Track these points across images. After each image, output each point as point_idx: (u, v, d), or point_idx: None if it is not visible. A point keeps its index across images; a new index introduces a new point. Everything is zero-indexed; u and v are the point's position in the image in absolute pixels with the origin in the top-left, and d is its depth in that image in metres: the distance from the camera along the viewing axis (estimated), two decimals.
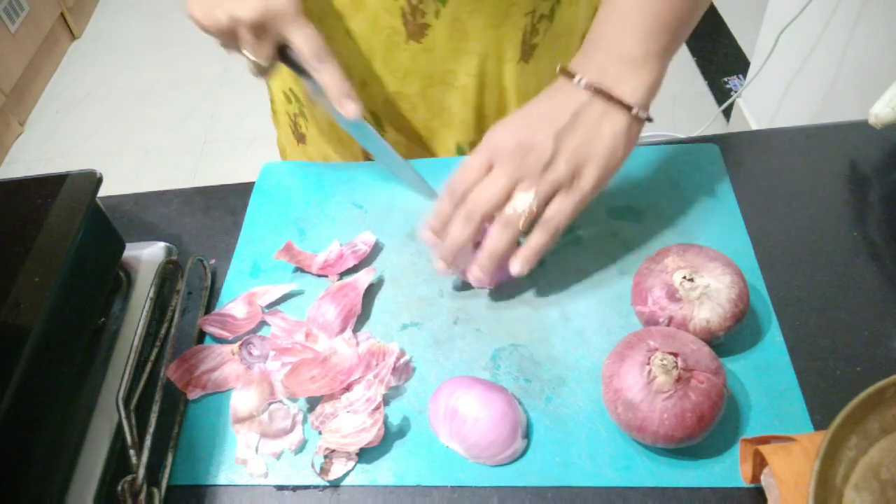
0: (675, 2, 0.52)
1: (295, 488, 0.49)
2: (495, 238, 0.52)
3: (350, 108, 0.57)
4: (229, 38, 0.57)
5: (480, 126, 0.74)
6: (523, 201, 0.51)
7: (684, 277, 0.50)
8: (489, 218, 0.52)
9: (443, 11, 0.64)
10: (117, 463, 0.51)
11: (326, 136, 0.78)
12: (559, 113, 0.51)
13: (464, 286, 0.58)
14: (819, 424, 0.48)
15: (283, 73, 0.74)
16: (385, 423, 0.49)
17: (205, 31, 0.58)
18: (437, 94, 0.71)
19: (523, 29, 0.68)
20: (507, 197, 0.52)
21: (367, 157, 0.76)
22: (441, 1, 0.64)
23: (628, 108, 0.51)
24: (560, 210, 0.52)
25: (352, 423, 0.49)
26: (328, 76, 0.57)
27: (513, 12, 0.66)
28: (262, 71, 0.59)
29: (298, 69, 0.59)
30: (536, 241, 0.52)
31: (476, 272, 0.54)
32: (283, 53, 0.58)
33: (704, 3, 0.55)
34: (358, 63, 0.68)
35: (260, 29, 0.55)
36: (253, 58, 0.57)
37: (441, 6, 0.64)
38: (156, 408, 0.51)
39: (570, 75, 0.52)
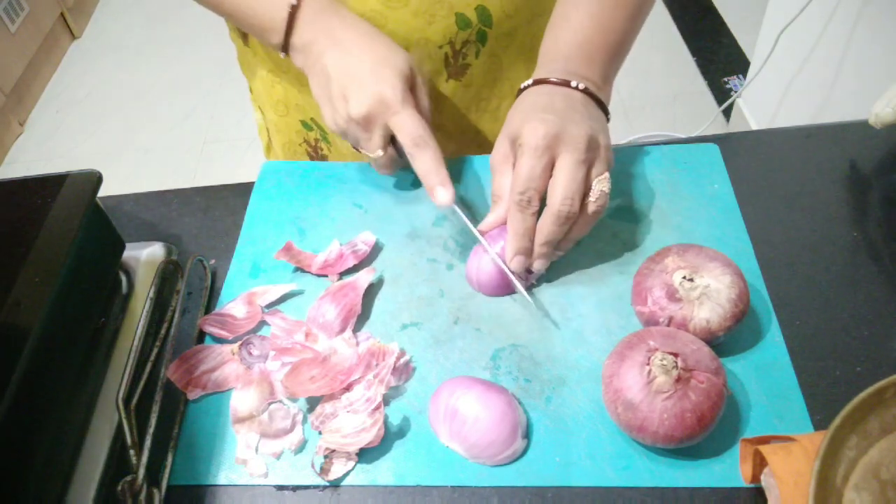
0: (620, 29, 0.60)
1: (295, 488, 0.49)
2: (585, 226, 0.55)
3: (440, 198, 0.57)
4: (350, 138, 0.60)
5: None
6: (605, 185, 0.54)
7: (684, 277, 0.50)
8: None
9: (482, 51, 0.68)
10: (117, 463, 0.51)
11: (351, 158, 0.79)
12: (574, 109, 0.55)
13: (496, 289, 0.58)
14: (819, 424, 0.48)
15: (303, 105, 0.75)
16: (385, 423, 0.49)
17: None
18: (472, 121, 0.74)
19: None
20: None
21: None
22: (481, 42, 0.67)
23: (606, 109, 0.59)
24: (604, 194, 0.55)
25: (352, 423, 0.49)
26: (422, 165, 0.57)
27: (539, 35, 0.68)
28: (381, 166, 0.61)
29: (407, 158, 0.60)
30: (580, 231, 0.55)
31: (543, 264, 0.55)
32: (395, 143, 0.60)
33: (639, 26, 0.63)
34: None
35: (367, 123, 0.57)
36: (364, 151, 0.59)
37: (481, 47, 0.67)
38: (156, 408, 0.51)
39: (566, 83, 0.57)
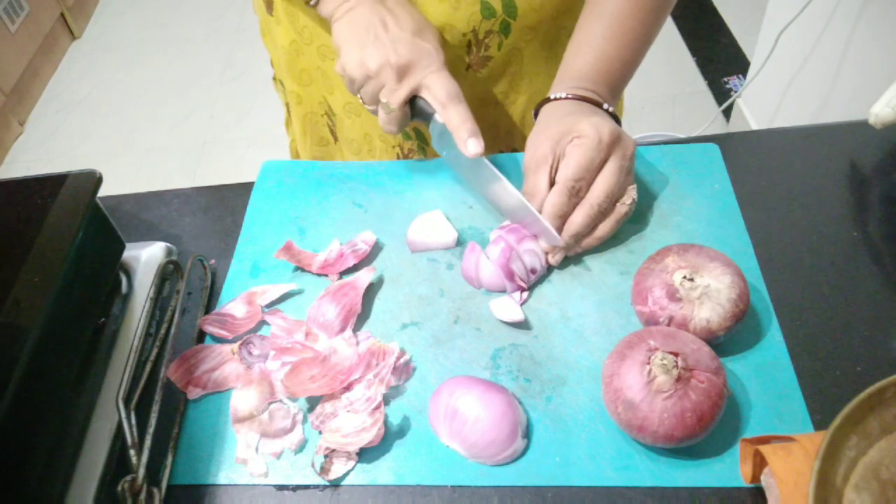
0: (635, 57, 0.66)
1: (295, 488, 0.49)
2: (615, 225, 0.58)
3: (472, 148, 0.58)
4: (372, 84, 0.61)
5: (524, 136, 0.77)
6: (635, 193, 0.59)
7: (684, 277, 0.50)
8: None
9: (505, 43, 0.69)
10: (117, 463, 0.51)
11: (365, 140, 0.80)
12: (614, 126, 0.58)
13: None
14: (819, 424, 0.48)
15: (320, 83, 0.76)
16: (385, 422, 0.49)
17: (350, 84, 0.62)
18: (489, 114, 0.75)
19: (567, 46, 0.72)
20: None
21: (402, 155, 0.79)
22: (504, 34, 0.68)
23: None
24: (634, 201, 0.59)
25: (352, 422, 0.49)
26: (456, 117, 0.59)
27: (561, 34, 0.71)
28: (391, 121, 0.62)
29: (424, 116, 0.62)
30: (609, 230, 0.59)
31: (559, 257, 0.58)
32: (412, 103, 0.61)
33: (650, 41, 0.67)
34: None
35: (403, 72, 0.59)
36: (385, 100, 0.61)
37: (504, 38, 0.68)
38: (156, 408, 0.51)
39: (599, 104, 0.61)
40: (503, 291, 0.57)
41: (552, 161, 0.58)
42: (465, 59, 0.69)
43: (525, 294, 0.57)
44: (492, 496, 0.47)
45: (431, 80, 0.59)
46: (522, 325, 0.55)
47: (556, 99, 0.62)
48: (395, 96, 0.60)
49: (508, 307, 0.55)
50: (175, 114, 2.32)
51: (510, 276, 0.56)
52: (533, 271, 0.57)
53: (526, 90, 0.74)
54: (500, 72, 0.71)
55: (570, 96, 0.61)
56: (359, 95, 0.63)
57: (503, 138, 0.78)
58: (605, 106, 0.61)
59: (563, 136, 0.57)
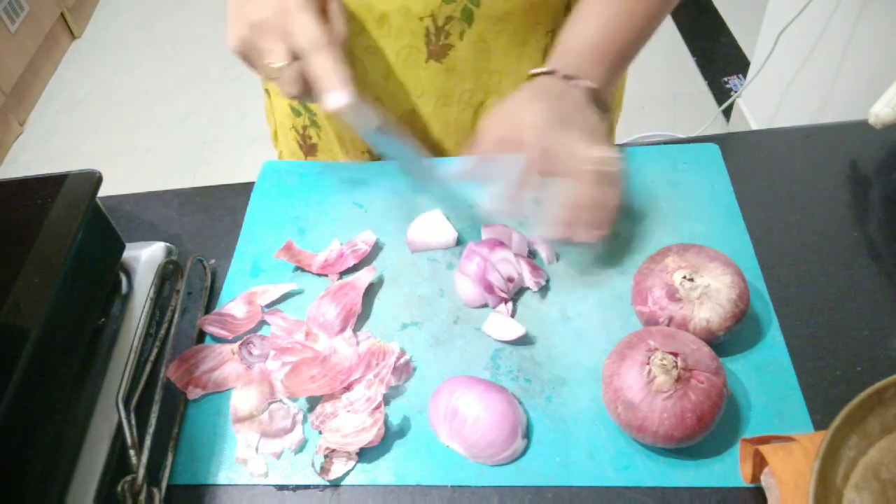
0: (632, 37, 0.61)
1: (295, 488, 0.49)
2: (600, 193, 0.53)
3: (331, 102, 0.51)
4: (253, 52, 0.55)
5: None
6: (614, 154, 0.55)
7: (684, 277, 0.50)
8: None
9: (468, 32, 0.65)
10: (117, 463, 0.51)
11: (340, 143, 0.77)
12: (574, 105, 0.55)
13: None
14: (819, 424, 0.48)
15: None
16: (385, 422, 0.49)
17: (242, 60, 0.57)
18: (453, 112, 0.71)
19: (544, 47, 0.69)
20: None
21: (374, 159, 0.76)
22: (467, 21, 0.64)
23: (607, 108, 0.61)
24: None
25: (352, 422, 0.49)
26: (316, 69, 0.51)
27: (536, 30, 0.67)
28: (287, 82, 0.55)
29: None
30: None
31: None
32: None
33: (651, 28, 0.62)
34: (374, 80, 0.68)
35: (268, 28, 0.53)
36: (269, 63, 0.55)
37: (467, 27, 0.64)
38: (156, 408, 0.51)
39: (569, 77, 0.57)
40: (485, 305, 0.57)
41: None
42: (423, 48, 0.65)
43: (510, 305, 0.56)
44: (492, 496, 0.47)
45: (293, 27, 0.52)
46: (523, 322, 0.55)
47: (550, 73, 0.58)
48: (273, 56, 0.53)
49: (504, 325, 0.54)
50: (175, 114, 2.32)
51: (489, 288, 0.55)
52: (510, 280, 0.56)
53: (495, 91, 0.70)
54: (463, 65, 0.67)
55: (563, 76, 0.57)
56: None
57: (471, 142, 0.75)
58: (574, 82, 0.57)
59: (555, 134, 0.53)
